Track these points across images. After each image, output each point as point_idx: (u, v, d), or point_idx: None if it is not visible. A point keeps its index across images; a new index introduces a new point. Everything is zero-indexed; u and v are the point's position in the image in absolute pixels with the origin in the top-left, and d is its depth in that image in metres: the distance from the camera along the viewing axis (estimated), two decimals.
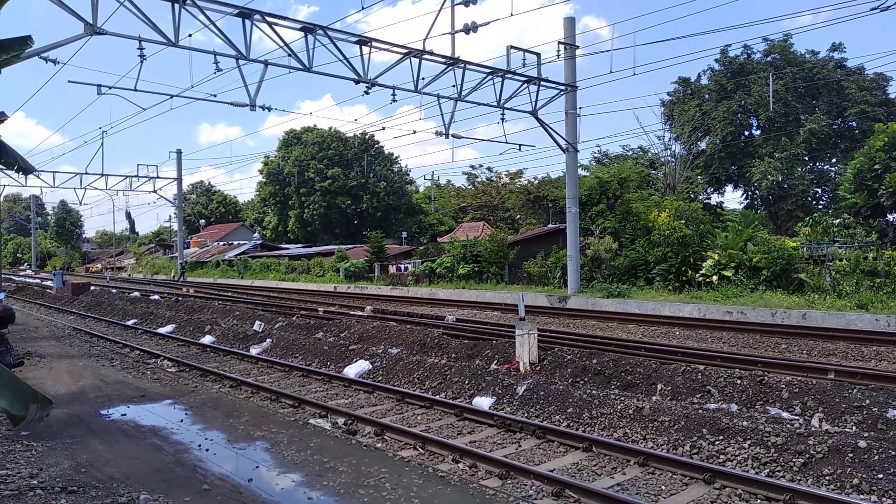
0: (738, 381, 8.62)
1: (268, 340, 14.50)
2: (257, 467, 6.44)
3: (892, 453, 6.10)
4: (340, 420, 8.55)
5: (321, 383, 11.10)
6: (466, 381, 9.89)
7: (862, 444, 6.31)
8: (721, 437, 6.99)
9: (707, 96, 42.91)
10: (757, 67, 40.86)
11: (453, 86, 20.74)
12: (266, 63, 17.29)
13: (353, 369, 11.41)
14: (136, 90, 18.44)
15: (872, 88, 38.96)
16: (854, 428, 7.28)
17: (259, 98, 18.43)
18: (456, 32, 19.58)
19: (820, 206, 39.99)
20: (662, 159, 42.11)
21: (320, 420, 8.59)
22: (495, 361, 10.86)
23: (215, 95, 21.18)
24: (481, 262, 29.42)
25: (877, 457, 6.12)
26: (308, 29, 16.97)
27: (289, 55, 17.12)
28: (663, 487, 6.17)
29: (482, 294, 25.45)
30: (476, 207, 55.35)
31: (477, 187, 60.09)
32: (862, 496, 5.77)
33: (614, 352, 11.06)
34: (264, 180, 66.18)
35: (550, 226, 33.13)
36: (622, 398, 8.27)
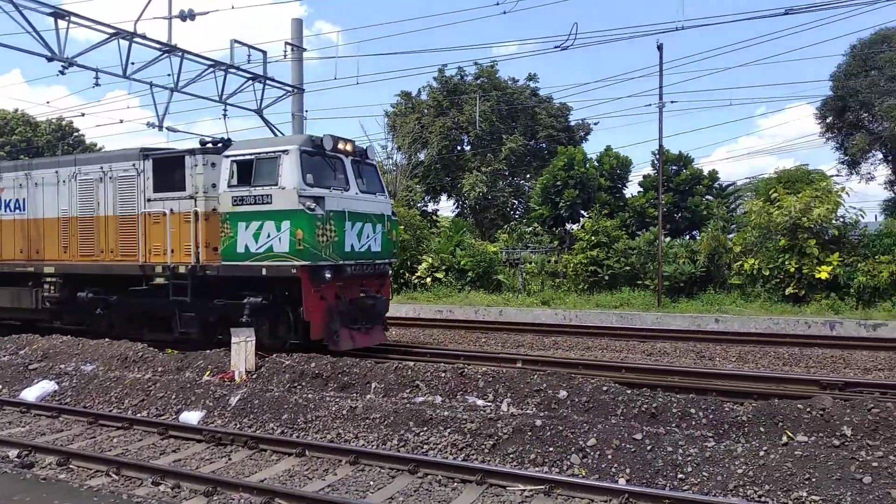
0: (443, 374, 9.33)
1: None
2: None
3: (560, 429, 7.15)
4: (12, 452, 7.28)
5: None
6: (174, 396, 9.17)
7: (538, 422, 7.28)
8: (425, 428, 7.51)
9: (426, 111, 46.10)
10: (468, 88, 45.12)
11: (169, 74, 19.17)
12: None
13: (34, 392, 9.82)
14: None
15: (558, 115, 45.61)
16: (534, 409, 8.37)
17: None
18: (172, 18, 18.14)
19: (517, 216, 45.57)
20: (385, 168, 44.08)
21: None
22: (208, 372, 10.26)
23: None
24: None
25: (549, 433, 7.11)
26: None
27: None
28: (372, 483, 6.42)
29: None
30: None
31: None
32: (536, 468, 6.67)
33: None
34: None
35: None
36: (337, 399, 8.43)
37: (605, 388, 8.12)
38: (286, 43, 23.62)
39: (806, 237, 18.60)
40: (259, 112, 22.45)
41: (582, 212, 26.69)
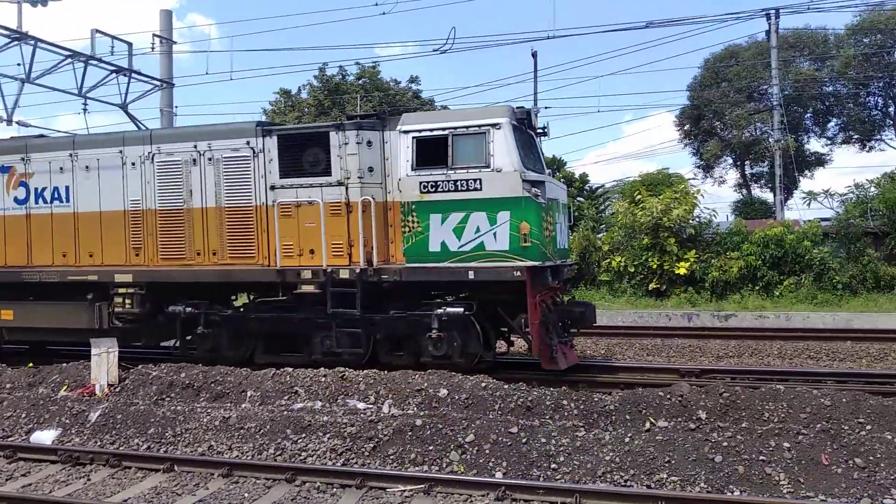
0: (323, 379, 9.13)
1: None
2: None
3: (440, 427, 7.22)
4: None
5: None
6: (24, 414, 8.39)
7: (419, 422, 7.30)
8: (304, 435, 7.34)
9: (307, 110, 45.15)
10: (350, 88, 44.68)
11: (19, 64, 17.54)
12: None
13: None
14: None
15: None
16: (415, 409, 8.40)
17: None
18: (23, 2, 16.66)
19: None
20: None
21: None
22: (65, 387, 9.47)
23: None
24: None
25: (429, 431, 7.16)
26: None
27: None
28: (246, 495, 6.19)
29: None
30: None
31: None
32: (416, 468, 6.70)
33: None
34: None
35: None
36: (209, 410, 8.05)
37: (483, 385, 8.30)
38: (154, 35, 22.35)
39: (666, 236, 20.03)
40: (124, 107, 21.02)
41: None
